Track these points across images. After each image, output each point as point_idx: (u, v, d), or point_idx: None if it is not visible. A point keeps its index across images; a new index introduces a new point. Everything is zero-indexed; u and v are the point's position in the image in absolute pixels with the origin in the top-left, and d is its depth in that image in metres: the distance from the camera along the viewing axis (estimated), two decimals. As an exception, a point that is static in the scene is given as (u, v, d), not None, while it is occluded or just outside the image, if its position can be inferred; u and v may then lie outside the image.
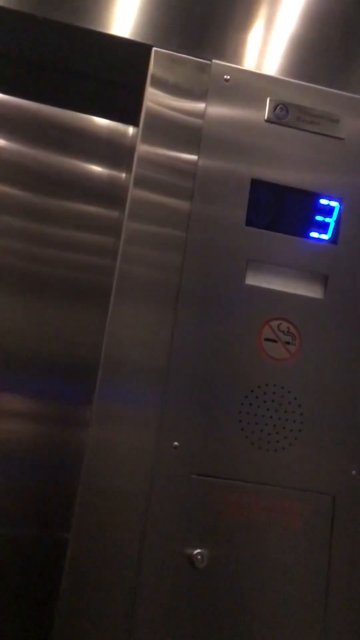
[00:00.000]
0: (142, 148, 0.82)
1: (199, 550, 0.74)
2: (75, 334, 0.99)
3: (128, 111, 1.02)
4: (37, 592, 0.92)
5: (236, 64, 0.88)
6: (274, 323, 0.82)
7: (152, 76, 0.83)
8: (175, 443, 0.76)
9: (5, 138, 1.03)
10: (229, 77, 0.84)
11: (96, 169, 1.05)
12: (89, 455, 0.74)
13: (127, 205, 0.80)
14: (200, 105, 0.84)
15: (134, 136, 1.02)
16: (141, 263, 0.79)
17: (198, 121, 0.83)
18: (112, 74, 0.97)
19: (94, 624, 0.71)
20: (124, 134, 1.04)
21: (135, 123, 1.03)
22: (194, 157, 0.82)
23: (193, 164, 0.82)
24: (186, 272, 0.80)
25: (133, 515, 0.73)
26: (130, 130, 1.03)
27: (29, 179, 1.02)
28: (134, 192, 0.81)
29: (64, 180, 1.04)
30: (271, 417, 0.80)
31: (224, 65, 0.85)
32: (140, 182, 0.81)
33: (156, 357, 0.77)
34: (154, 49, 0.84)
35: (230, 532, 0.75)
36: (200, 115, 0.83)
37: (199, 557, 0.73)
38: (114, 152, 1.04)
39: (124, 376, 0.76)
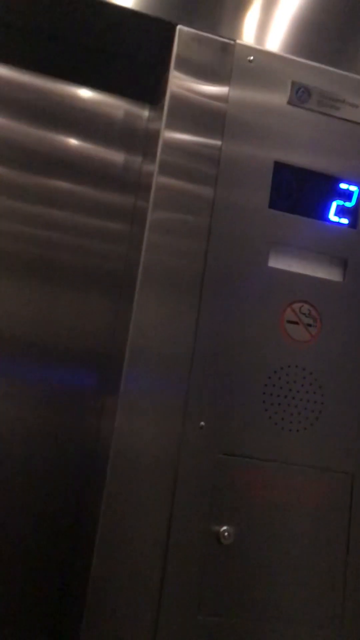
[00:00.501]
0: (167, 134, 0.80)
1: (225, 527, 0.76)
2: (85, 321, 0.99)
3: (146, 92, 0.99)
4: (45, 584, 0.92)
5: (257, 45, 0.87)
6: (296, 305, 0.83)
7: (177, 57, 0.81)
8: (202, 423, 0.77)
9: (14, 118, 0.99)
10: (252, 58, 0.84)
11: (110, 152, 1.03)
12: (116, 438, 0.75)
13: (152, 193, 0.80)
14: (223, 89, 0.83)
15: (150, 119, 1.01)
16: (166, 252, 0.79)
17: (222, 105, 0.82)
18: (131, 52, 0.94)
19: (124, 600, 0.73)
20: (140, 116, 1.02)
21: (152, 104, 1.01)
22: (217, 142, 0.82)
23: (217, 149, 0.82)
24: (210, 258, 0.80)
25: (161, 494, 0.75)
26: (146, 112, 1.02)
27: (39, 162, 0.99)
28: (158, 180, 0.80)
29: (75, 163, 1.01)
30: (293, 398, 0.81)
31: (247, 46, 0.84)
32: (165, 169, 0.80)
33: (181, 343, 0.78)
34: (178, 27, 0.81)
35: (255, 509, 0.78)
36: (224, 98, 0.83)
37: (225, 533, 0.76)
38: (129, 135, 1.02)
39: (150, 362, 0.77)
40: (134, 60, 0.96)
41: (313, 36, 0.93)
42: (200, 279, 0.79)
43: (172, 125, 0.81)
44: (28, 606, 0.92)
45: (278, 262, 0.83)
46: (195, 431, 0.77)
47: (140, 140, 1.01)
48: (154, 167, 0.81)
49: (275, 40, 0.91)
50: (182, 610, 0.73)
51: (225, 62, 0.84)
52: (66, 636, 0.85)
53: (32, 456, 0.94)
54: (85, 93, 1.03)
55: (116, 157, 1.03)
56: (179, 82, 0.82)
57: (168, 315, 0.78)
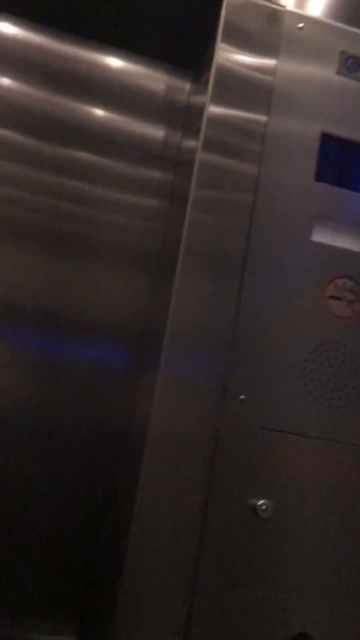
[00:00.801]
0: (212, 109, 0.78)
1: (263, 501, 0.77)
2: (118, 298, 0.99)
3: (188, 63, 0.97)
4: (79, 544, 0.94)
5: (303, 11, 0.84)
6: (339, 281, 0.83)
7: (224, 25, 0.78)
8: (242, 396, 0.78)
9: (49, 89, 0.97)
10: (302, 25, 0.81)
11: (149, 126, 1.01)
12: (155, 414, 0.75)
13: (195, 171, 0.78)
14: (271, 61, 0.80)
15: (192, 92, 0.99)
16: (208, 231, 0.79)
17: (269, 78, 0.80)
18: (177, 20, 0.91)
19: (160, 572, 0.74)
20: (181, 90, 1.00)
21: (194, 77, 0.99)
22: (263, 118, 0.80)
23: (262, 124, 0.80)
24: (253, 237, 0.79)
25: (199, 468, 0.76)
26: (188, 85, 1.00)
27: (74, 136, 0.98)
28: (202, 156, 0.78)
29: (112, 137, 0.99)
30: (334, 374, 0.82)
31: (297, 13, 0.81)
32: (209, 146, 0.78)
33: (222, 319, 0.78)
34: (227, -9, 0.78)
35: (293, 483, 0.79)
36: (271, 71, 0.80)
37: (263, 507, 0.76)
38: (169, 108, 1.00)
39: (190, 339, 0.77)
40: (178, 29, 0.93)
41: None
42: (242, 257, 0.79)
43: (218, 100, 0.79)
44: (59, 579, 0.94)
45: (322, 237, 0.82)
46: (234, 405, 0.77)
47: (181, 115, 0.99)
48: (197, 143, 0.80)
49: (321, 8, 0.88)
50: (219, 583, 0.75)
51: (273, 30, 0.81)
52: (98, 610, 0.87)
53: (64, 431, 0.95)
54: (124, 64, 1.00)
55: (155, 131, 1.02)
56: (226, 54, 0.79)
57: (209, 293, 0.78)
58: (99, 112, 1.02)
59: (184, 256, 0.78)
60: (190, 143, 0.90)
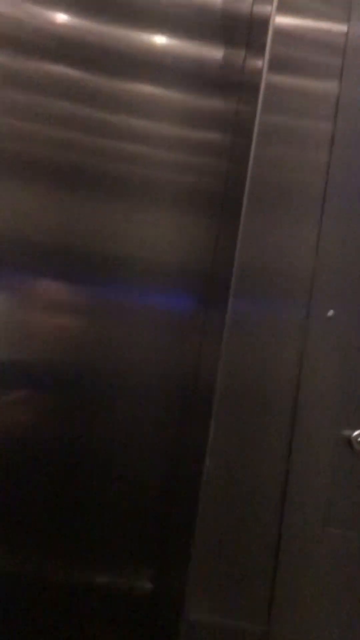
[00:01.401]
0: (279, 20, 0.69)
1: (359, 432, 0.70)
2: (180, 241, 0.97)
3: None
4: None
5: None
6: None
7: None
8: (330, 312, 0.70)
9: (85, 13, 0.88)
10: None
11: (205, 46, 0.92)
12: (226, 344, 0.70)
13: (260, 95, 0.70)
14: None
15: (256, 0, 0.87)
16: (278, 164, 0.72)
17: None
18: None
19: (239, 511, 0.71)
20: (242, -2, 0.88)
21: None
22: (342, 27, 0.69)
23: (342, 35, 0.69)
24: (333, 168, 0.72)
25: (281, 397, 0.70)
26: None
27: (117, 63, 0.89)
28: (269, 78, 0.70)
29: (162, 62, 0.91)
30: None
31: None
32: (277, 64, 0.70)
33: (299, 251, 0.71)
34: None
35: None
36: None
37: (359, 438, 0.71)
38: (228, 23, 0.89)
39: (261, 271, 0.73)
40: None
41: None
42: (322, 190, 0.72)
43: (285, 7, 0.69)
44: (134, 526, 0.93)
45: None
46: (321, 322, 0.69)
47: (243, 29, 0.88)
48: (262, 62, 0.71)
49: None
50: (308, 522, 0.71)
51: None
52: (174, 556, 0.85)
53: (129, 378, 0.92)
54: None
55: (213, 52, 0.92)
56: None
57: (281, 232, 0.72)
58: (144, 34, 0.92)
59: (249, 195, 0.72)
60: (256, 62, 0.81)
